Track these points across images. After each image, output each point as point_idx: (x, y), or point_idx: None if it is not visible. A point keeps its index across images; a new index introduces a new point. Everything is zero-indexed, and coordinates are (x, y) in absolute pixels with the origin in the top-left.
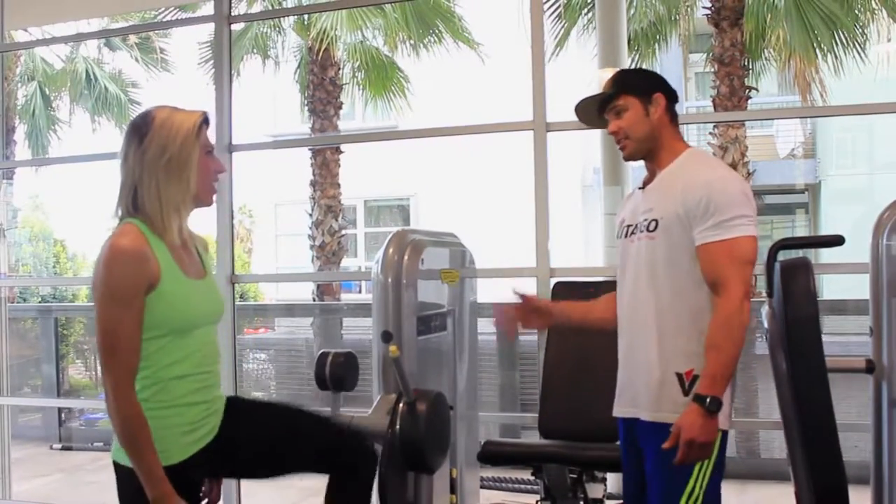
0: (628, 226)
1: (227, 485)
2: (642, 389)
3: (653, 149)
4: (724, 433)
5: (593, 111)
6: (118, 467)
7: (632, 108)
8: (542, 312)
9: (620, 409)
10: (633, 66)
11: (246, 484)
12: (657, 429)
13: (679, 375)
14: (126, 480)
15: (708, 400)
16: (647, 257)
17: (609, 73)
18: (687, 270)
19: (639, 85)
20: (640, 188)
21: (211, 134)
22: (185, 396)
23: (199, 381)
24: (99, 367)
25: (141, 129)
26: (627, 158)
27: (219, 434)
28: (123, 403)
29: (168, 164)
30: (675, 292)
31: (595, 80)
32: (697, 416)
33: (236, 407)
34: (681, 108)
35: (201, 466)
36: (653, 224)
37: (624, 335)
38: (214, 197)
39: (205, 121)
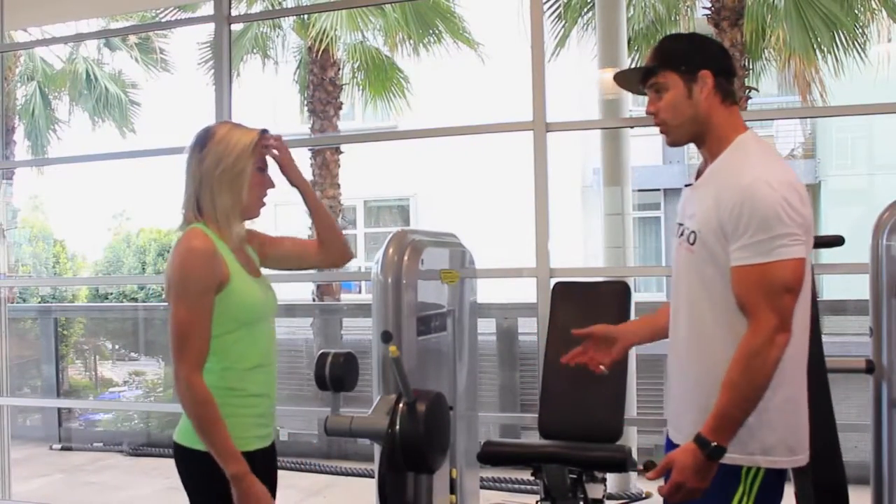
0: (679, 224)
1: None
2: (685, 416)
3: (699, 134)
4: (781, 471)
5: (634, 80)
6: (182, 450)
7: (673, 87)
8: (611, 339)
9: (671, 432)
10: (683, 32)
11: None
12: None
13: None
14: (191, 463)
15: (712, 445)
16: (686, 274)
17: (608, 73)
18: (729, 291)
19: (683, 59)
20: (692, 182)
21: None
22: (257, 386)
23: (266, 373)
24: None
25: (201, 142)
26: (671, 144)
27: (271, 448)
28: (197, 389)
29: (221, 176)
30: (719, 315)
31: (595, 80)
32: (693, 460)
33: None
34: None
35: (260, 463)
36: (692, 236)
37: (672, 352)
38: (262, 210)
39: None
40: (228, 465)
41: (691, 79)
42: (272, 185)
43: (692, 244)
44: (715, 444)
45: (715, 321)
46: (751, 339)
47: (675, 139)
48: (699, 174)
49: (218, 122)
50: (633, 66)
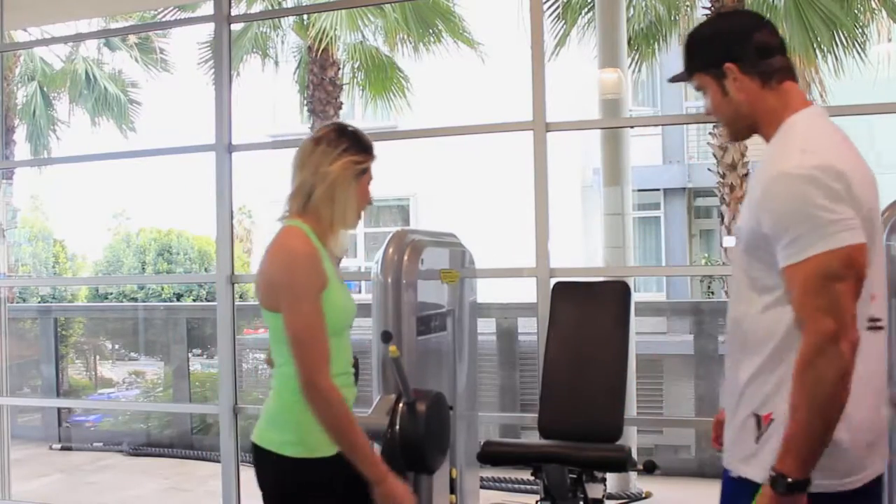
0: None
1: (226, 485)
2: (727, 429)
3: (752, 126)
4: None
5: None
6: (265, 454)
7: (709, 88)
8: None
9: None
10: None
11: (246, 482)
12: (727, 476)
13: (757, 417)
14: (275, 467)
15: (784, 480)
16: (735, 273)
17: (608, 73)
18: (770, 292)
19: (704, 58)
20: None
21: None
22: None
23: (346, 379)
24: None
25: (337, 136)
26: (731, 141)
27: None
28: (333, 393)
29: (349, 179)
30: (761, 318)
31: (595, 80)
32: (766, 501)
33: None
34: (681, 107)
35: (343, 469)
36: (739, 232)
37: (725, 362)
38: (360, 221)
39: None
40: (370, 470)
41: (719, 74)
42: (371, 202)
43: (740, 241)
44: (789, 478)
45: (758, 322)
46: (802, 352)
47: (733, 137)
48: None
49: (338, 124)
50: (632, 66)
